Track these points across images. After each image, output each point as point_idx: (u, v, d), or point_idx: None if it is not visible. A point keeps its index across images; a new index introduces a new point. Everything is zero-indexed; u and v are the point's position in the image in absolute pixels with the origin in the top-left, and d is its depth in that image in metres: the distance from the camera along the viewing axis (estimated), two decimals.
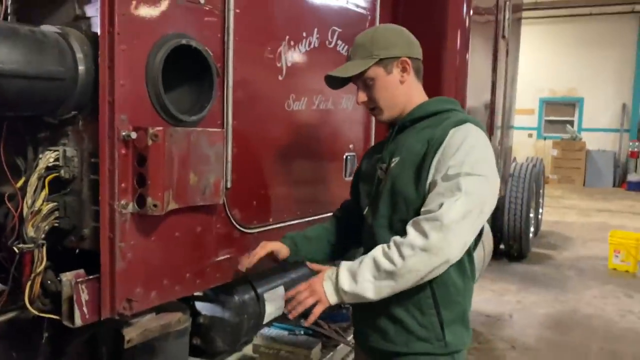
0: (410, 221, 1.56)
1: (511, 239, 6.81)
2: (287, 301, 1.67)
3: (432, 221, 1.50)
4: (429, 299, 1.64)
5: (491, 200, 1.60)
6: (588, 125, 16.00)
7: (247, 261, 1.84)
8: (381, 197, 1.72)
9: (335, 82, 1.80)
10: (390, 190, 1.69)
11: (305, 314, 2.73)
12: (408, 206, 1.64)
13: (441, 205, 1.50)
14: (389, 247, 1.55)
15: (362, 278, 1.55)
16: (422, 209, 1.56)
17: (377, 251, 1.57)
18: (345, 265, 1.61)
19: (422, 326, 1.66)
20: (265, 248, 1.85)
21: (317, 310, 1.63)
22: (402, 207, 1.66)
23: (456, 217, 1.49)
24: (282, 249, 1.88)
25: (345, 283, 1.57)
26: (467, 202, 1.50)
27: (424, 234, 1.50)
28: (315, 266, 1.79)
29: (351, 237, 1.97)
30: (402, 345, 1.68)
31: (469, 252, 1.70)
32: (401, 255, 1.51)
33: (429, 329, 1.66)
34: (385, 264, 1.53)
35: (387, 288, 1.55)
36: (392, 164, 1.71)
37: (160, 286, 1.74)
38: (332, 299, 1.61)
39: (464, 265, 1.69)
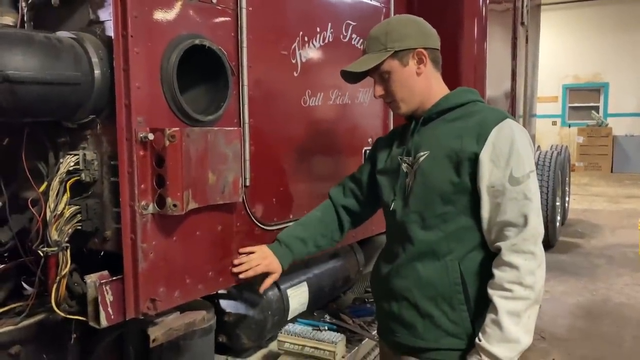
0: (505, 249, 1.52)
1: None
2: None
3: (530, 238, 1.52)
4: (460, 294, 1.61)
5: None
6: (614, 110, 15.66)
7: (244, 273, 1.90)
8: (412, 192, 1.69)
9: (352, 77, 1.78)
10: (422, 185, 1.66)
11: (331, 313, 2.73)
12: (444, 201, 1.62)
13: (525, 216, 1.52)
14: (507, 290, 1.51)
15: (515, 336, 1.50)
16: (501, 218, 1.54)
17: (503, 304, 1.51)
18: (486, 341, 1.52)
19: (452, 322, 1.62)
20: (261, 267, 1.90)
21: None
22: (437, 202, 1.62)
23: (538, 220, 1.54)
24: (275, 269, 1.91)
25: (506, 352, 1.50)
26: (537, 201, 1.56)
27: (532, 253, 1.51)
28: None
29: (343, 225, 2.00)
30: (431, 341, 1.65)
31: None
32: (528, 287, 1.50)
33: (459, 325, 1.62)
34: (520, 306, 1.50)
35: (532, 318, 1.54)
36: (421, 158, 1.67)
37: (184, 285, 1.75)
38: None
39: None
